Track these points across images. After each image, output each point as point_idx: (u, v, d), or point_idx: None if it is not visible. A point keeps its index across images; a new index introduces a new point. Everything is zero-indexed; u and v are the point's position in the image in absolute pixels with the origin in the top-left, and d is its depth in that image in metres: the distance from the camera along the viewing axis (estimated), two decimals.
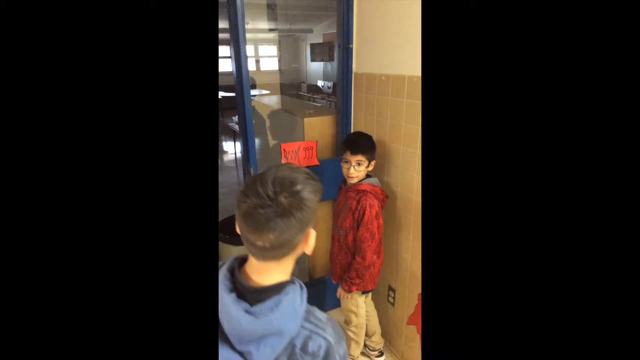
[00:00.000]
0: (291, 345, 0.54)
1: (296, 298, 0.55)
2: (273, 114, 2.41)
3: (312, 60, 5.25)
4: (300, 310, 0.55)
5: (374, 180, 1.49)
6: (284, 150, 1.73)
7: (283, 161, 1.72)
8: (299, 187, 0.54)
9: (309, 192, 0.55)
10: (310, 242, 0.59)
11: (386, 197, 1.50)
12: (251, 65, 5.30)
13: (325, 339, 0.56)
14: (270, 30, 4.67)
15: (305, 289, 0.58)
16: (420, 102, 1.37)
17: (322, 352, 0.55)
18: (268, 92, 4.36)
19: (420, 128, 1.39)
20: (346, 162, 1.45)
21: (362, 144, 1.44)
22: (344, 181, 1.56)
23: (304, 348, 0.54)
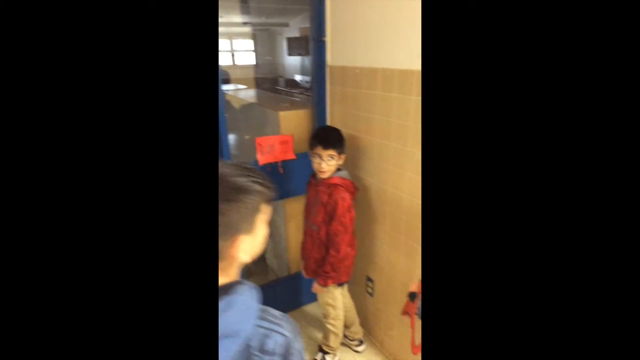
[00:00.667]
0: (247, 346, 0.53)
1: (249, 298, 0.55)
2: (248, 108, 2.38)
3: (289, 54, 5.20)
4: (254, 310, 0.55)
5: (344, 173, 1.51)
6: (259, 144, 1.71)
7: (258, 156, 1.71)
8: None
9: (236, 194, 0.54)
10: (241, 248, 0.56)
11: (356, 190, 1.52)
12: (227, 60, 5.19)
13: (282, 334, 0.56)
14: (245, 23, 4.59)
15: (257, 289, 0.58)
16: (393, 94, 1.38)
17: (281, 349, 0.55)
18: (244, 86, 4.29)
19: (394, 120, 1.41)
20: (317, 156, 1.44)
21: (333, 138, 1.45)
22: (313, 175, 1.56)
23: (261, 348, 0.54)
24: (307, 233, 1.58)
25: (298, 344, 0.59)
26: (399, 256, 1.53)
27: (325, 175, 1.46)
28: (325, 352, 1.73)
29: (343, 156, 1.48)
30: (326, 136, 1.45)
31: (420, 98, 1.26)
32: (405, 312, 1.35)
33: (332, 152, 1.42)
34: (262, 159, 1.72)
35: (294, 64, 5.27)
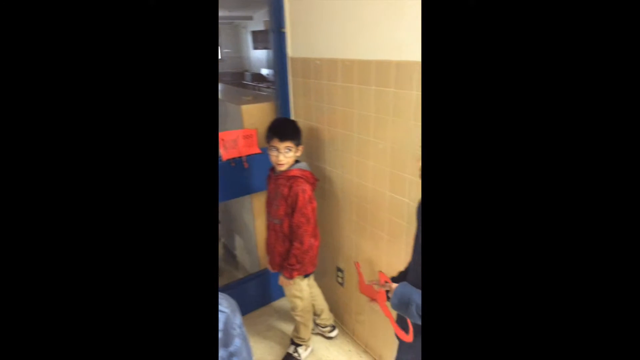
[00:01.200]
0: None
1: None
2: None
3: (255, 48, 5.12)
4: None
5: (302, 164, 1.51)
6: (222, 139, 1.67)
7: (221, 151, 1.67)
8: None
9: None
10: None
11: (316, 180, 1.53)
12: None
13: (221, 311, 0.59)
14: None
15: None
16: (354, 85, 1.39)
17: (221, 325, 0.57)
18: None
19: (355, 111, 1.42)
20: (275, 149, 1.43)
21: (289, 130, 1.44)
22: (272, 169, 1.55)
23: None
24: (270, 227, 1.57)
25: (237, 319, 0.62)
26: (366, 245, 1.55)
27: (283, 168, 1.46)
28: (297, 345, 1.74)
29: (300, 147, 1.48)
30: (282, 128, 1.44)
31: (379, 88, 1.27)
32: (373, 300, 1.37)
33: (289, 144, 1.42)
34: (226, 154, 1.69)
35: (260, 58, 5.19)
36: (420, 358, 0.89)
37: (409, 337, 0.93)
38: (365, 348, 1.77)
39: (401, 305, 0.86)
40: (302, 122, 1.78)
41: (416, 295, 0.83)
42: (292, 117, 1.83)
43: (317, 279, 1.80)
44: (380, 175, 1.38)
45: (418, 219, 0.94)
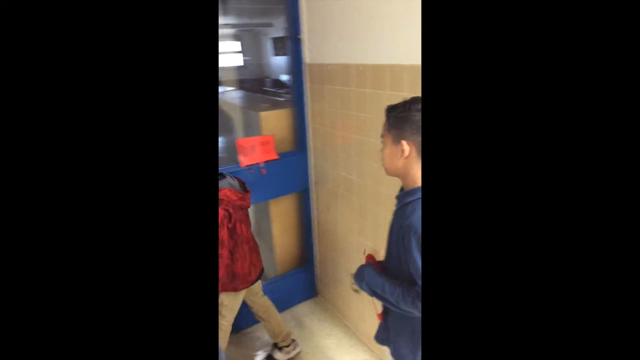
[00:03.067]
0: None
1: None
2: (230, 110, 2.37)
3: (275, 54, 5.19)
4: None
5: (227, 181, 1.45)
6: (240, 146, 1.70)
7: (240, 158, 1.70)
8: None
9: None
10: None
11: (244, 193, 1.45)
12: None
13: None
14: (228, 25, 4.58)
15: None
16: (367, 90, 1.38)
17: None
18: (232, 88, 4.28)
19: (368, 116, 1.40)
20: None
21: None
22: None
23: None
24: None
25: None
26: (382, 251, 1.53)
27: None
28: (279, 348, 1.76)
29: None
30: None
31: (393, 93, 1.26)
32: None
33: None
34: (244, 160, 1.71)
35: (280, 64, 5.25)
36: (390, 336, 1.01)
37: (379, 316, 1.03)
38: (381, 357, 1.73)
39: (357, 278, 1.00)
40: (317, 128, 1.79)
41: (367, 272, 0.96)
42: (308, 123, 1.84)
43: (330, 286, 1.78)
44: (395, 180, 1.36)
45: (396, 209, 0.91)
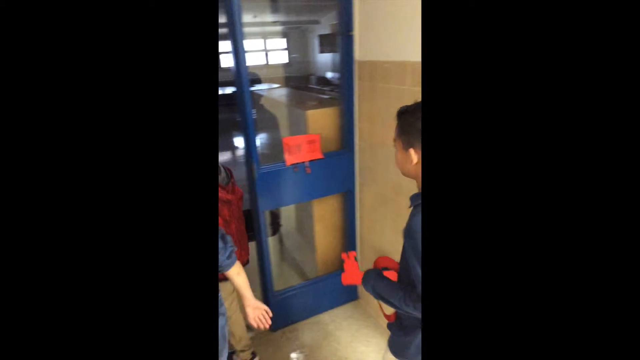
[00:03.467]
0: None
1: None
2: (276, 107, 2.38)
3: (321, 51, 5.17)
4: None
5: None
6: (286, 144, 1.69)
7: (286, 156, 1.69)
8: None
9: None
10: None
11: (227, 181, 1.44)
12: (261, 59, 5.25)
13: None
14: (275, 22, 4.63)
15: None
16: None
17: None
18: (278, 85, 4.33)
19: None
20: None
21: None
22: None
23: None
24: None
25: None
26: None
27: None
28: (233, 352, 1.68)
29: None
30: None
31: None
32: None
33: None
34: (290, 159, 1.70)
35: (325, 61, 5.24)
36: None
37: (389, 317, 1.04)
38: None
39: (364, 281, 1.01)
40: (365, 127, 1.72)
41: (373, 275, 0.99)
42: (356, 122, 1.78)
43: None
44: None
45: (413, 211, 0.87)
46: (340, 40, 1.69)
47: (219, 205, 1.37)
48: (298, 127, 1.93)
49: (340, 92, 1.82)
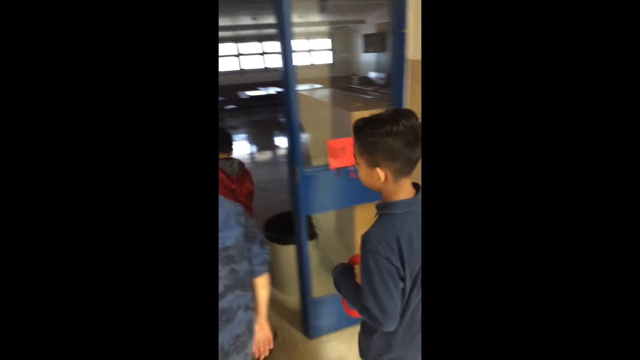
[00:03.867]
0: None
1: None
2: (321, 108, 2.33)
3: (365, 51, 5.09)
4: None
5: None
6: (331, 147, 1.63)
7: (330, 159, 1.63)
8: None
9: None
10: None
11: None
12: (305, 59, 5.27)
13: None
14: (321, 22, 4.61)
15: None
16: None
17: None
18: (321, 85, 4.32)
19: None
20: None
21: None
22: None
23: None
24: None
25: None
26: None
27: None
28: None
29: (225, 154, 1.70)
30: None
31: None
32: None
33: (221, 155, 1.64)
34: (334, 162, 1.64)
35: (369, 61, 5.13)
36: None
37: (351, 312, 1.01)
38: None
39: (333, 272, 1.02)
40: None
41: (340, 269, 1.01)
42: None
43: None
44: None
45: None
46: (392, 38, 1.61)
47: (224, 191, 1.54)
48: (342, 129, 1.86)
49: (386, 93, 1.74)
